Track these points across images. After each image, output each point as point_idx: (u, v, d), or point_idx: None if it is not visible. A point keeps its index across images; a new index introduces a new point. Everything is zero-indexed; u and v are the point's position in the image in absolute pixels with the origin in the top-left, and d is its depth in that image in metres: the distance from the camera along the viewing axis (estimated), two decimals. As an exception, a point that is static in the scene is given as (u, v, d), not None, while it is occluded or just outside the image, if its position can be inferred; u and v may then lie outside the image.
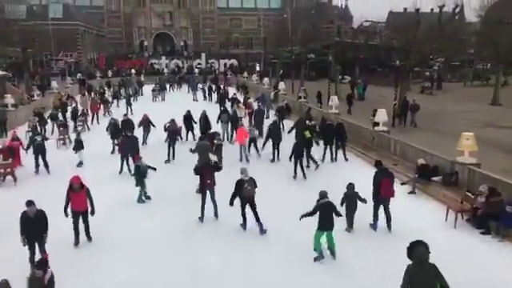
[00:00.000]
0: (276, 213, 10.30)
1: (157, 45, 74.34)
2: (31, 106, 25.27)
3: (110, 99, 28.61)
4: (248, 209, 9.64)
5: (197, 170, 10.56)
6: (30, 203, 7.80)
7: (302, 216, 8.39)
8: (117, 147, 15.97)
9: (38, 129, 18.62)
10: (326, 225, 8.26)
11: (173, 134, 16.17)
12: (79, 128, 20.83)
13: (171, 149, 15.78)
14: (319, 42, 45.92)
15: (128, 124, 16.82)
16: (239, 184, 9.57)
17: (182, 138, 17.92)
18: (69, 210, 8.91)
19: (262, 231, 9.59)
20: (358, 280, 7.79)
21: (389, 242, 9.02)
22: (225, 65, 55.37)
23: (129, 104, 26.09)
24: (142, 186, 11.57)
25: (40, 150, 14.32)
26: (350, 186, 9.50)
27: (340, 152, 15.70)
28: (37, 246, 7.88)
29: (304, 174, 13.52)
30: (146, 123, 17.93)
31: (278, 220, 9.98)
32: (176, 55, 63.60)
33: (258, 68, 50.12)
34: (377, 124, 17.12)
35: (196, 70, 50.20)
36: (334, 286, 7.68)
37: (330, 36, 49.54)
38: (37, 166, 14.32)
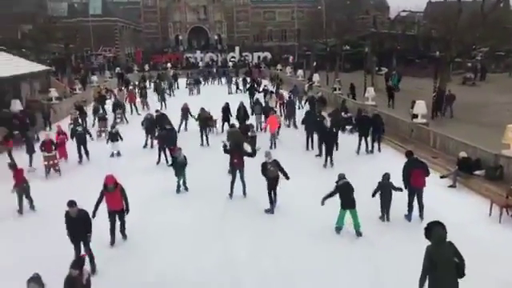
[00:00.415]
0: (303, 198, 10.68)
1: (191, 39, 75.25)
2: (73, 99, 26.31)
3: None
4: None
5: (225, 149, 11.48)
6: (71, 204, 7.64)
7: (324, 198, 9.04)
8: (152, 141, 16.48)
9: (80, 121, 19.38)
10: (347, 204, 8.97)
11: (204, 121, 17.31)
12: (118, 120, 21.55)
13: (204, 135, 17.17)
14: (354, 33, 44.99)
15: (163, 118, 17.01)
16: (264, 166, 10.39)
17: (215, 128, 18.76)
18: (98, 211, 8.53)
19: (272, 209, 10.40)
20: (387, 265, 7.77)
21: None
22: (258, 58, 55.33)
23: (163, 99, 26.47)
24: (179, 177, 11.85)
25: (81, 141, 15.24)
26: (385, 176, 9.52)
27: (376, 144, 15.57)
28: (82, 245, 7.82)
29: (332, 162, 13.77)
30: (186, 112, 19.08)
31: (305, 204, 10.28)
32: (210, 49, 64.16)
33: (291, 60, 49.78)
34: (415, 116, 16.66)
35: (230, 64, 50.50)
36: (360, 266, 7.92)
37: (366, 27, 48.42)
38: (80, 156, 15.18)
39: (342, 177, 9.15)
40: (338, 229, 9.21)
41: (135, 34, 75.10)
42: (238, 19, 78.69)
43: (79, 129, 15.77)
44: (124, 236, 9.15)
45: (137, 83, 33.62)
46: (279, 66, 44.56)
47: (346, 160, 14.01)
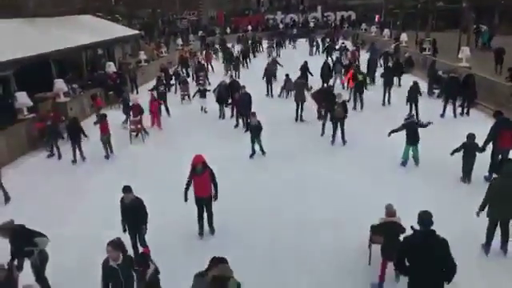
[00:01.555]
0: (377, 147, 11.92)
1: (273, 0, 73.88)
2: (159, 61, 27.70)
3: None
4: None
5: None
6: (125, 189, 6.88)
7: (390, 132, 10.40)
8: (224, 110, 16.40)
9: (164, 81, 20.29)
10: (411, 140, 10.35)
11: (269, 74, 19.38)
12: (201, 82, 22.29)
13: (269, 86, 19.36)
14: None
15: (235, 85, 16.35)
16: (332, 106, 12.42)
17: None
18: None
19: (344, 142, 12.45)
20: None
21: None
22: (342, 17, 52.88)
23: (236, 67, 24.70)
24: (253, 142, 11.95)
25: (162, 97, 16.87)
26: (470, 136, 9.19)
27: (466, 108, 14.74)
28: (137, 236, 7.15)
29: (417, 114, 13.94)
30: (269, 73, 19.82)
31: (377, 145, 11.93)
32: (291, 10, 62.61)
33: (377, 19, 46.82)
34: (516, 78, 14.89)
35: (311, 24, 49.02)
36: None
37: (465, -21, 43.36)
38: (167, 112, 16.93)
39: (410, 116, 10.78)
40: (404, 163, 10.62)
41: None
42: (321, -23, 75.21)
43: (161, 88, 17.39)
44: (212, 229, 8.09)
45: (218, 46, 34.33)
46: (364, 26, 42.26)
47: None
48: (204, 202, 7.83)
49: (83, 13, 31.43)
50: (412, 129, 10.25)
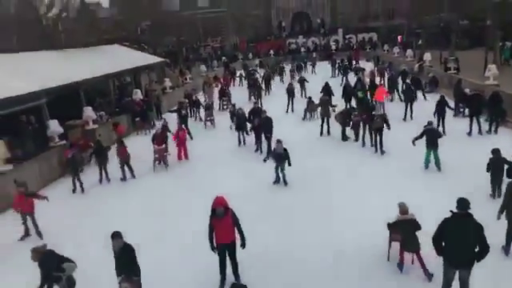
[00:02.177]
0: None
1: (294, 24, 75.03)
2: (184, 88, 28.32)
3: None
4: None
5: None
6: (113, 236, 6.37)
7: (414, 139, 11.40)
8: (245, 138, 15.95)
9: (186, 106, 20.53)
10: (430, 145, 11.25)
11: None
12: (224, 107, 22.65)
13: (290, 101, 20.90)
14: (474, 5, 40.26)
15: (257, 111, 16.06)
16: (372, 118, 13.52)
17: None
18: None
19: (382, 153, 13.35)
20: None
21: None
22: (363, 39, 53.06)
23: (258, 93, 23.82)
24: (277, 169, 11.53)
25: (184, 120, 17.60)
26: (495, 151, 9.23)
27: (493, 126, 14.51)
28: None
29: (444, 128, 14.47)
30: (291, 91, 21.12)
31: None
32: (313, 33, 63.29)
33: (399, 40, 46.70)
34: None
35: (333, 47, 49.31)
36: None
37: (489, -3, 42.94)
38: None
39: (430, 123, 11.58)
40: (425, 167, 11.52)
41: (240, 23, 77.46)
42: (342, 1, 76.10)
43: (183, 111, 18.09)
44: (237, 277, 7.14)
45: (242, 72, 34.85)
46: (386, 47, 42.18)
47: (456, 141, 13.75)
48: (228, 250, 6.94)
49: (111, 43, 32.72)
50: (430, 134, 11.24)
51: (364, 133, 14.27)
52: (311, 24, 74.54)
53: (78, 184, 12.76)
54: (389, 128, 13.17)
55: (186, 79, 31.96)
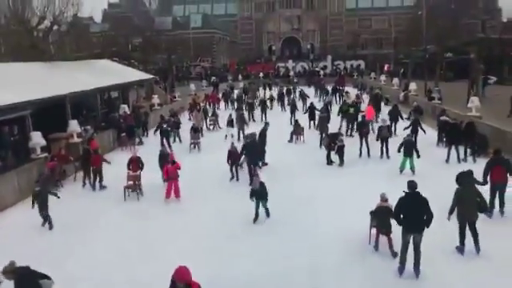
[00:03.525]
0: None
1: (284, 48, 76.44)
2: (172, 106, 28.31)
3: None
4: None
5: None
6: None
7: (398, 149, 13.68)
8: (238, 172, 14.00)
9: (166, 119, 20.15)
10: (407, 152, 13.37)
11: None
12: (211, 127, 22.66)
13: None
14: (459, 39, 41.63)
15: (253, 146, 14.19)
16: (379, 128, 15.73)
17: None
18: None
19: (388, 157, 15.42)
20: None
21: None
22: (351, 66, 54.18)
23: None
24: (257, 205, 10.34)
25: (165, 134, 17.89)
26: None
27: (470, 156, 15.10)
28: None
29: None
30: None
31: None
32: (302, 58, 64.44)
33: (386, 68, 47.81)
34: (528, 129, 14.84)
35: (321, 72, 50.09)
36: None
37: (473, 32, 44.53)
38: (162, 144, 16.93)
39: (407, 136, 13.99)
40: (401, 170, 13.44)
41: (231, 45, 78.59)
42: (331, 28, 78.04)
43: (164, 126, 18.45)
44: None
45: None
46: (373, 75, 43.09)
47: (434, 167, 14.10)
48: None
49: (101, 57, 32.75)
50: (408, 145, 13.45)
51: (361, 145, 16.01)
52: (301, 49, 76.10)
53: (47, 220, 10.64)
54: (390, 136, 15.88)
55: (174, 97, 32.01)
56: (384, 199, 8.68)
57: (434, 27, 41.67)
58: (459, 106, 21.72)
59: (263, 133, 15.46)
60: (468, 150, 15.16)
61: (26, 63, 21.73)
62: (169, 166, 12.15)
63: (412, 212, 7.43)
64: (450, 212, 8.34)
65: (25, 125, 15.47)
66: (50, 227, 10.57)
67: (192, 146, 18.53)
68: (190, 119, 23.77)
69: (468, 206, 8.17)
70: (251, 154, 13.71)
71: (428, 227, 7.42)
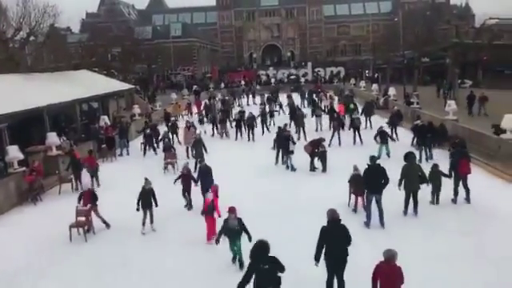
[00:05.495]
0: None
1: (265, 56, 76.93)
2: (154, 115, 28.03)
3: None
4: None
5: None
6: None
7: (374, 138, 16.17)
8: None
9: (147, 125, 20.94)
10: (383, 141, 15.89)
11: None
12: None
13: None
14: (435, 44, 42.68)
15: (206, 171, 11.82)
16: (352, 120, 18.99)
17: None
18: None
19: (362, 142, 18.51)
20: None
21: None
22: (331, 72, 54.92)
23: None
24: (231, 247, 8.49)
25: (149, 139, 18.90)
26: (434, 166, 11.25)
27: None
28: None
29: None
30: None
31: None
32: (283, 65, 65.00)
33: (366, 74, 48.63)
34: (503, 131, 15.25)
35: (302, 79, 50.61)
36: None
37: (448, 37, 45.65)
38: (145, 152, 18.85)
39: (380, 127, 16.41)
40: (378, 156, 14.00)
41: (212, 53, 78.63)
42: (311, 35, 78.99)
43: (147, 131, 19.28)
44: None
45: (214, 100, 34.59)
46: (352, 81, 43.71)
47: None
48: None
49: (79, 68, 32.29)
50: (383, 134, 15.97)
51: (333, 136, 18.49)
52: (281, 57, 76.73)
53: None
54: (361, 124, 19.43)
55: (155, 106, 31.73)
56: (356, 169, 11.15)
57: (410, 33, 42.73)
58: (436, 109, 22.22)
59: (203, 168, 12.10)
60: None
61: (1, 75, 21.27)
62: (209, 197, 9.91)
63: (373, 178, 9.87)
64: (399, 184, 10.42)
65: (1, 138, 15.10)
66: None
67: (165, 166, 16.02)
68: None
69: (411, 179, 10.31)
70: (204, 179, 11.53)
71: (384, 188, 9.81)
